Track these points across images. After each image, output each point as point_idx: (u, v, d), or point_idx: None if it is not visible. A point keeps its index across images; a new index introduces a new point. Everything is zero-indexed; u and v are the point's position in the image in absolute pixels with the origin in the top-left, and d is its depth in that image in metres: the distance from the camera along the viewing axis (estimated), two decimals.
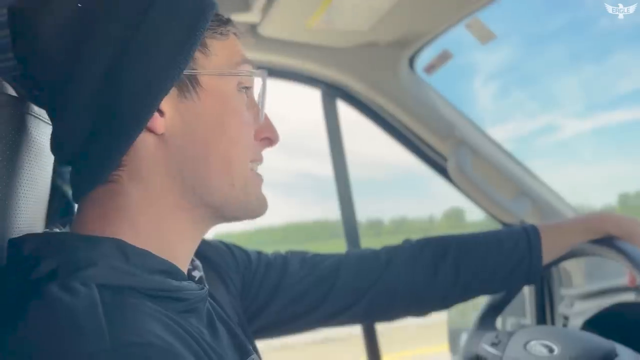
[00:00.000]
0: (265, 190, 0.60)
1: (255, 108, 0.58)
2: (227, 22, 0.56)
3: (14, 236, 0.54)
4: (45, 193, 0.64)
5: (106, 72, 0.49)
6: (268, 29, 1.14)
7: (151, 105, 0.50)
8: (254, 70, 0.57)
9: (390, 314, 0.86)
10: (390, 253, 0.83)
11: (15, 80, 0.59)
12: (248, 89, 0.57)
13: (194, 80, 0.53)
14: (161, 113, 0.51)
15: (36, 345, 0.42)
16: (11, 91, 0.58)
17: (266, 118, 0.59)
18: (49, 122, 0.61)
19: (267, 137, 0.59)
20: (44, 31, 0.50)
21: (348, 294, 0.80)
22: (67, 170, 0.71)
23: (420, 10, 1.08)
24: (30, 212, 0.59)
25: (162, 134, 0.52)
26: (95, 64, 0.49)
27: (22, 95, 0.58)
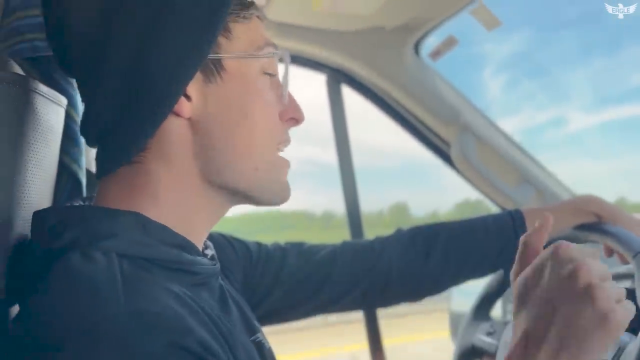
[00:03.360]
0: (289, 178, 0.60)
1: (279, 89, 0.59)
2: (250, 5, 0.56)
3: (21, 213, 0.55)
4: (52, 172, 0.65)
5: (133, 57, 0.51)
6: (274, 12, 1.14)
7: (177, 89, 0.52)
8: (275, 52, 0.57)
9: (386, 300, 0.88)
10: (383, 242, 0.85)
11: (31, 60, 0.61)
12: (272, 75, 0.58)
13: (218, 64, 0.53)
14: (188, 97, 0.53)
15: (56, 310, 0.44)
16: (19, 70, 0.59)
17: (290, 98, 0.59)
18: (56, 101, 0.62)
19: (292, 117, 0.59)
20: (73, 19, 0.52)
21: (344, 282, 0.82)
22: (75, 149, 0.72)
23: None
24: (37, 191, 0.61)
25: (188, 118, 0.53)
26: (123, 48, 0.51)
27: (30, 74, 0.60)
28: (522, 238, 0.55)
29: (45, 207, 0.63)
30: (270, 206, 0.60)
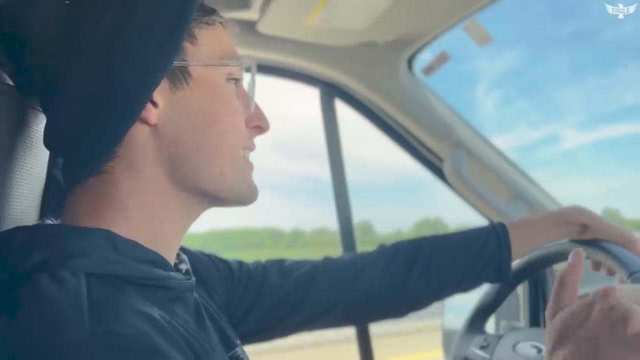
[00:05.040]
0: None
1: (245, 98, 0.59)
2: (212, 11, 0.57)
3: (7, 225, 0.54)
4: (40, 183, 0.65)
5: (98, 65, 0.50)
6: (267, 27, 1.14)
7: (143, 96, 0.51)
8: (242, 60, 0.58)
9: (369, 317, 0.88)
10: (365, 258, 0.85)
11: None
12: (237, 80, 0.58)
13: (184, 70, 0.53)
14: (154, 104, 0.52)
15: (20, 335, 0.42)
16: (9, 81, 0.58)
17: (256, 107, 0.60)
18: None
19: (258, 125, 0.60)
20: (33, 27, 0.51)
21: (325, 299, 0.81)
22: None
23: (418, 10, 1.09)
24: (24, 202, 0.60)
25: (154, 124, 0.53)
26: (87, 57, 0.50)
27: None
28: (560, 275, 0.57)
29: (32, 220, 0.62)
30: (239, 206, 0.60)
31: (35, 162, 0.61)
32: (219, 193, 0.57)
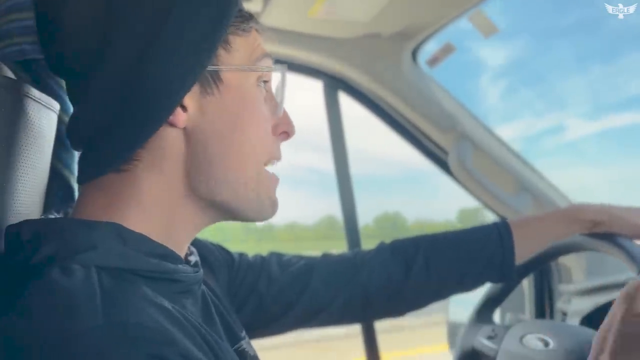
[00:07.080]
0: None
1: (273, 101, 0.59)
2: (250, 18, 0.57)
3: (11, 220, 0.54)
4: (43, 177, 0.64)
5: (131, 66, 0.50)
6: (270, 18, 1.14)
7: (173, 100, 0.51)
8: (273, 66, 0.58)
9: (367, 315, 0.88)
10: (364, 255, 0.84)
11: (22, 64, 0.60)
12: (266, 82, 0.58)
13: (215, 76, 0.54)
14: (184, 108, 0.52)
15: (33, 325, 0.43)
16: (10, 74, 0.58)
17: (284, 111, 0.59)
18: (48, 106, 0.61)
19: (284, 130, 0.59)
20: (70, 17, 0.51)
21: (321, 295, 0.81)
22: (68, 155, 0.71)
23: (422, 1, 1.08)
24: (28, 196, 0.60)
25: (184, 128, 0.53)
26: (121, 55, 0.50)
27: (22, 78, 0.59)
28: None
29: (35, 215, 0.62)
30: (254, 222, 0.59)
31: (38, 157, 0.61)
32: (237, 206, 0.56)
